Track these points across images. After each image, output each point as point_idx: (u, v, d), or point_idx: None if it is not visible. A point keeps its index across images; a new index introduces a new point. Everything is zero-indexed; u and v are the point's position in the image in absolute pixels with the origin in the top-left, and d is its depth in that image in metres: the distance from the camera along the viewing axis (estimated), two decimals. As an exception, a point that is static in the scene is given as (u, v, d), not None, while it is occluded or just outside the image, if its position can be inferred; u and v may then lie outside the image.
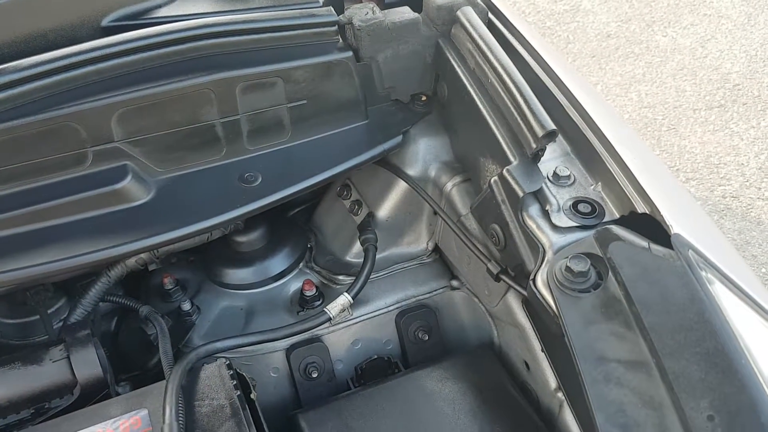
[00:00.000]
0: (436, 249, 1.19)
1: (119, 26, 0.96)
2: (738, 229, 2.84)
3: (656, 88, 3.39)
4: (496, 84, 0.95)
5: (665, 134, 3.19)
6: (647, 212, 0.82)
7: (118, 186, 0.92)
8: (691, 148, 3.12)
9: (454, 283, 1.17)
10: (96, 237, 0.89)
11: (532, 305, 0.86)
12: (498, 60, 0.95)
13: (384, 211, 1.16)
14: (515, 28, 1.07)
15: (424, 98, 1.13)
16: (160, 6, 1.00)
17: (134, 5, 0.98)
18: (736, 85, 3.40)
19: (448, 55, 1.04)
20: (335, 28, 1.02)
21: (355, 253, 1.18)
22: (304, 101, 1.03)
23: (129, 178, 0.92)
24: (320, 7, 1.05)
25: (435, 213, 1.11)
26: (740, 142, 3.15)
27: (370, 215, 1.15)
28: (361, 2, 1.11)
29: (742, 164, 3.06)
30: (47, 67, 0.86)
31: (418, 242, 1.19)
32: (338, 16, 1.03)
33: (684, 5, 3.85)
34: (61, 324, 1.08)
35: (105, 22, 0.96)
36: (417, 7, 1.11)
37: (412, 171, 1.10)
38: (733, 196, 2.97)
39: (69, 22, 0.93)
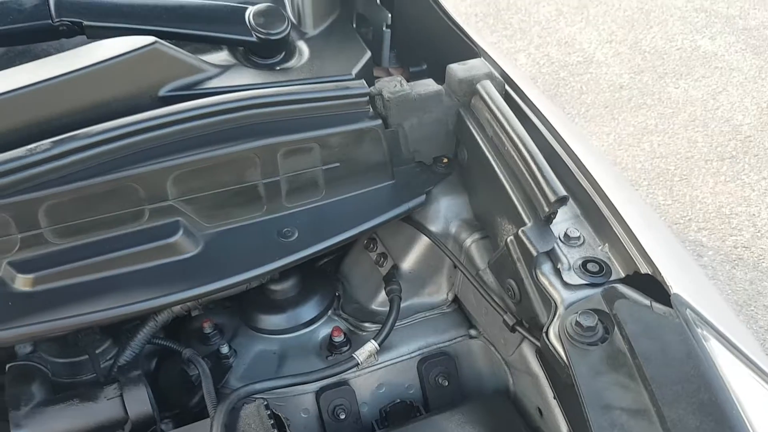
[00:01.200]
0: (456, 300, 1.29)
1: (175, 96, 1.07)
2: (750, 280, 2.89)
3: (668, 138, 3.48)
4: (513, 152, 1.05)
5: (677, 184, 3.27)
6: (649, 273, 0.91)
7: (171, 240, 1.02)
8: (703, 198, 3.19)
9: (472, 332, 1.26)
10: (150, 287, 0.99)
11: (545, 356, 0.94)
12: (514, 130, 1.05)
13: (407, 263, 1.25)
14: (529, 98, 1.17)
15: (445, 160, 1.23)
16: (210, 77, 1.11)
17: (188, 77, 1.09)
18: (748, 136, 3.48)
19: (469, 123, 1.15)
20: (367, 99, 1.13)
21: (379, 302, 1.28)
22: (338, 164, 1.13)
23: (180, 233, 1.03)
24: (354, 80, 1.16)
25: (455, 266, 1.20)
26: (752, 193, 3.22)
27: (395, 267, 1.25)
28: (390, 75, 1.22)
29: (754, 215, 3.12)
30: (113, 134, 0.97)
31: (438, 293, 1.28)
32: (369, 88, 1.14)
33: (696, 58, 3.96)
34: (108, 363, 1.17)
35: (162, 92, 1.07)
36: (440, 78, 1.22)
37: (434, 227, 1.20)
38: (744, 247, 3.02)
39: (130, 92, 1.05)
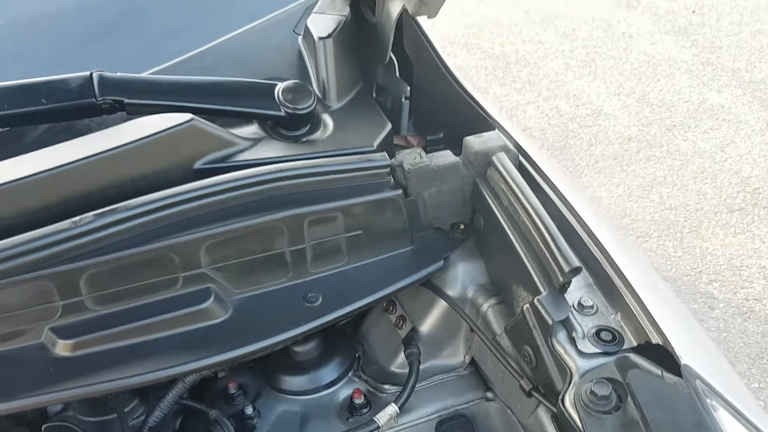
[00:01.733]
0: (473, 362, 1.33)
1: (209, 169, 1.14)
2: (762, 332, 2.90)
3: (677, 190, 3.52)
4: (527, 222, 1.10)
5: (687, 236, 3.30)
6: (660, 343, 0.95)
7: (203, 306, 1.07)
8: (713, 251, 3.22)
9: (489, 395, 1.29)
10: (182, 352, 1.04)
11: (561, 422, 0.98)
12: (528, 201, 1.11)
13: (426, 326, 1.30)
14: (541, 169, 1.23)
15: (462, 227, 1.29)
16: (242, 150, 1.18)
17: (221, 151, 1.16)
18: (756, 189, 3.52)
19: (485, 193, 1.21)
20: (388, 170, 1.20)
21: (399, 364, 1.32)
22: (360, 231, 1.19)
23: (212, 299, 1.08)
24: (375, 152, 1.23)
25: (472, 330, 1.24)
26: (762, 245, 3.25)
27: (414, 330, 1.29)
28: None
29: (764, 267, 3.14)
30: (152, 206, 1.04)
31: (456, 355, 1.32)
32: (390, 160, 1.21)
33: (703, 110, 4.03)
34: (136, 422, 1.22)
35: (197, 165, 1.14)
36: (456, 146, 1.29)
37: (451, 292, 1.25)
38: (756, 299, 3.04)
39: (168, 166, 1.11)
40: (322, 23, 1.36)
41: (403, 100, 1.43)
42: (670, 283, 3.09)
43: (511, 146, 1.25)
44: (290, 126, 1.26)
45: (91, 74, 1.13)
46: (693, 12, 5.00)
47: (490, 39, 4.77)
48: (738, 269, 3.15)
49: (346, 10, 1.40)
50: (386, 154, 1.21)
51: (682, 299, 3.03)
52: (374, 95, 1.50)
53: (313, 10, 1.41)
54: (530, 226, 1.09)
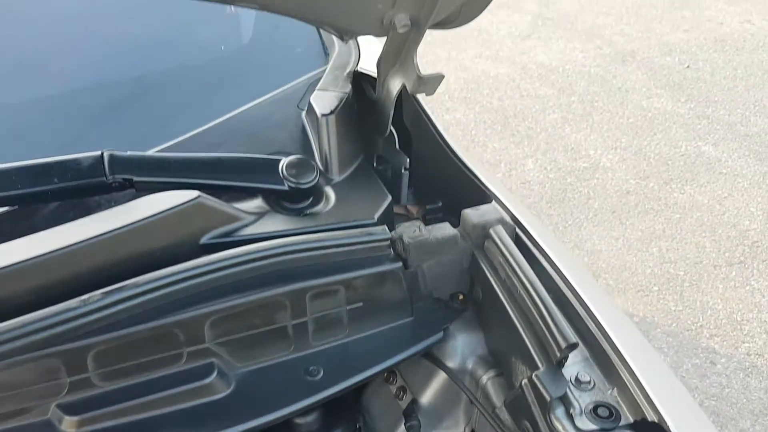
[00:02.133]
0: (473, 432, 1.34)
1: (215, 244, 1.17)
2: (764, 388, 2.89)
3: (676, 244, 3.55)
4: (525, 296, 1.13)
5: (687, 290, 3.32)
6: (656, 421, 0.96)
7: (206, 381, 1.09)
8: (714, 305, 3.23)
9: (489, 466, 1.30)
10: (185, 428, 1.06)
11: (560, 498, 0.99)
12: (526, 276, 1.14)
13: (426, 397, 1.31)
14: (538, 242, 1.26)
15: (461, 297, 1.32)
16: (246, 225, 1.22)
17: (226, 226, 1.20)
18: (755, 242, 3.55)
19: (483, 265, 1.24)
20: (388, 243, 1.23)
21: (399, 434, 1.33)
22: (361, 303, 1.22)
23: (215, 373, 1.10)
24: (376, 225, 1.26)
25: (472, 402, 1.26)
26: (762, 299, 3.26)
27: (414, 402, 1.31)
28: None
29: (765, 321, 3.15)
30: (159, 283, 1.07)
31: (456, 427, 1.33)
32: (390, 233, 1.24)
33: (700, 164, 4.09)
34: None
35: (203, 241, 1.18)
36: (455, 215, 1.32)
37: (451, 363, 1.27)
38: (758, 354, 3.04)
39: (175, 242, 1.15)
40: (325, 100, 1.41)
41: (402, 170, 1.47)
42: (672, 338, 3.10)
43: (508, 219, 1.29)
44: (294, 199, 1.30)
45: (102, 154, 1.18)
46: (687, 67, 5.11)
47: (489, 93, 4.86)
48: (739, 323, 3.16)
49: (348, 87, 1.45)
50: (386, 228, 1.24)
51: (684, 354, 3.03)
52: (375, 164, 1.54)
53: (317, 87, 1.47)
54: (527, 301, 1.12)
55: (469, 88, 4.97)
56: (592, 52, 5.36)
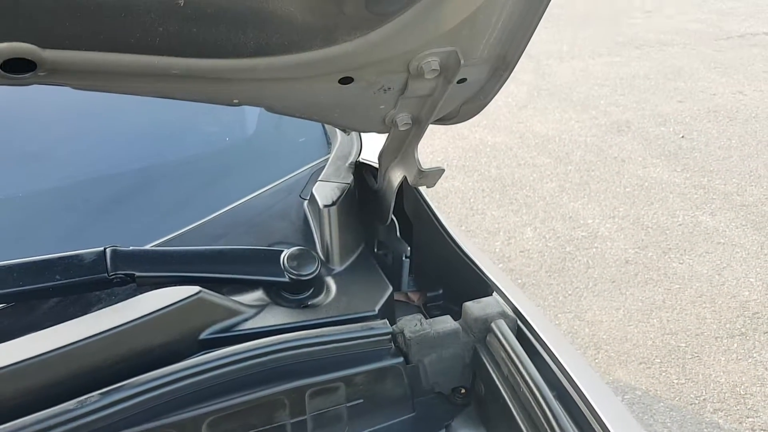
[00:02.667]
0: None
1: (214, 339, 1.17)
2: (772, 467, 2.83)
3: (677, 314, 3.53)
4: (527, 394, 1.12)
5: (689, 362, 3.28)
6: None
7: (202, 485, 1.07)
8: (716, 378, 3.19)
9: None
10: None
11: None
12: (528, 373, 1.13)
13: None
14: (540, 336, 1.26)
15: (463, 391, 1.30)
16: (247, 319, 1.21)
17: (227, 321, 1.19)
18: (755, 313, 3.53)
19: (485, 360, 1.23)
20: (389, 337, 1.23)
21: None
22: (361, 400, 1.20)
23: (211, 477, 1.08)
24: (377, 318, 1.26)
25: None
26: (765, 372, 3.22)
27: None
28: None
29: (769, 396, 3.10)
30: (156, 383, 1.06)
31: None
32: (391, 327, 1.24)
33: (698, 234, 4.10)
34: None
35: (202, 336, 1.17)
36: (455, 303, 1.32)
37: (453, 459, 1.25)
38: (762, 429, 2.98)
39: (174, 339, 1.14)
40: (327, 191, 1.43)
41: (403, 258, 1.48)
42: (675, 413, 3.04)
43: (510, 311, 1.28)
44: (295, 290, 1.30)
45: (104, 250, 1.18)
46: (682, 137, 5.20)
47: (487, 162, 4.93)
48: (742, 397, 3.11)
49: (350, 178, 1.48)
50: (387, 322, 1.24)
51: (688, 429, 2.97)
52: (376, 250, 1.55)
53: (319, 178, 1.49)
54: (530, 398, 1.11)
55: (467, 157, 5.04)
56: (587, 122, 5.46)
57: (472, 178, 4.76)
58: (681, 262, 3.89)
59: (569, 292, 3.70)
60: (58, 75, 0.88)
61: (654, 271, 3.84)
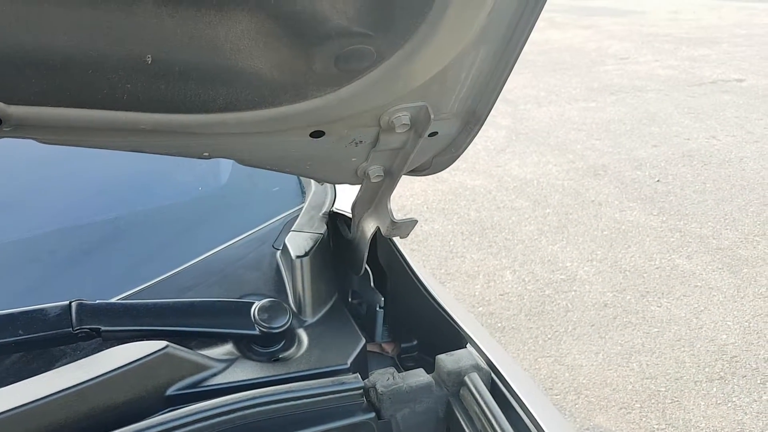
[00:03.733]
0: None
1: (181, 395, 1.14)
2: None
3: (656, 358, 3.53)
4: (501, 450, 1.10)
5: (669, 407, 3.26)
6: None
7: None
8: (697, 422, 3.18)
9: None
10: None
11: None
12: (501, 428, 1.11)
13: None
14: (514, 390, 1.24)
15: (437, 447, 1.28)
16: (215, 374, 1.19)
17: (195, 376, 1.17)
18: (734, 357, 3.54)
19: (458, 415, 1.21)
20: (361, 392, 1.20)
21: None
22: (333, 456, 1.17)
23: None
24: (349, 373, 1.24)
25: None
26: (744, 416, 3.21)
27: None
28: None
29: (750, 442, 3.08)
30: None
31: None
32: (363, 381, 1.22)
33: (675, 277, 4.13)
34: None
35: (169, 392, 1.14)
36: (429, 354, 1.30)
37: None
38: (743, 477, 2.96)
39: (140, 395, 1.11)
40: (300, 241, 1.42)
41: (377, 308, 1.47)
42: (657, 460, 3.02)
43: (484, 364, 1.27)
44: (265, 343, 1.28)
45: (69, 303, 1.16)
46: (658, 181, 5.28)
47: (466, 205, 4.96)
48: (724, 443, 3.09)
49: (323, 228, 1.47)
50: (359, 375, 1.22)
51: (670, 478, 2.95)
52: (350, 300, 1.53)
53: (292, 228, 1.48)
54: (504, 455, 1.09)
55: (446, 200, 5.07)
56: (565, 166, 5.53)
57: (452, 221, 4.77)
58: (659, 305, 3.91)
59: (549, 336, 3.69)
60: (23, 130, 0.88)
61: (632, 314, 3.85)
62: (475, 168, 5.43)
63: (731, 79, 8.97)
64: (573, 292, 4.03)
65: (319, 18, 0.86)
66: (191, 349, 1.20)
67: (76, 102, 0.88)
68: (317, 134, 1.08)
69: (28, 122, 0.86)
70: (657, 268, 4.22)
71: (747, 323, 3.74)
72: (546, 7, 0.99)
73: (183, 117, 0.95)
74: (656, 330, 3.73)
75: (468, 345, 1.31)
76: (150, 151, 1.04)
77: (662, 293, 4.00)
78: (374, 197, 1.32)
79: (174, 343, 1.16)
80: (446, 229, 4.69)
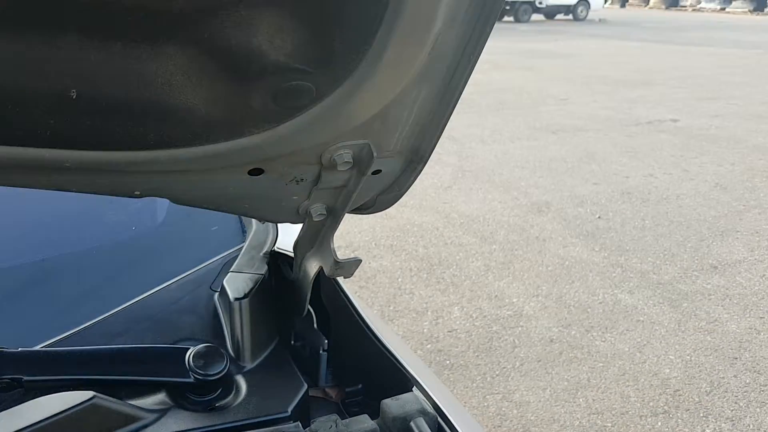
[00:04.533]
0: None
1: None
2: None
3: (602, 393, 3.55)
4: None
5: (617, 444, 3.27)
6: None
7: None
8: (644, 460, 3.19)
9: None
10: None
11: None
12: None
13: None
14: (460, 432, 1.21)
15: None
16: (146, 425, 1.12)
17: (123, 428, 1.09)
18: (677, 390, 3.59)
19: None
20: (302, 442, 1.15)
21: None
22: None
23: None
24: (290, 421, 1.18)
25: None
26: (690, 453, 3.24)
27: None
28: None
29: (695, 478, 3.11)
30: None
31: None
32: (305, 429, 1.17)
33: (618, 311, 4.20)
34: None
35: None
36: (375, 397, 1.26)
37: None
38: None
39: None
40: (239, 282, 1.37)
41: (321, 351, 1.42)
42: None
43: (430, 408, 1.24)
44: (201, 392, 1.22)
45: (-13, 352, 1.08)
46: (599, 217, 5.41)
47: (414, 241, 4.96)
48: (669, 481, 3.11)
49: (264, 269, 1.42)
50: (300, 424, 1.17)
51: None
52: (292, 342, 1.48)
53: (231, 268, 1.43)
54: (450, 504, 1.05)
55: (395, 236, 5.06)
56: (509, 203, 5.61)
57: (400, 257, 4.76)
58: (603, 340, 3.96)
59: (497, 372, 3.68)
60: None
61: (578, 349, 3.88)
62: (423, 204, 5.45)
63: (666, 119, 9.35)
64: (520, 328, 4.05)
65: (255, 53, 0.84)
66: (121, 399, 1.13)
67: None
68: (256, 172, 1.05)
69: None
70: (600, 303, 4.28)
71: (689, 357, 3.81)
72: (488, 49, 1.00)
73: (111, 154, 0.90)
74: (601, 365, 3.76)
75: (414, 388, 1.28)
76: (76, 190, 0.98)
77: (606, 328, 4.05)
78: (317, 236, 1.28)
79: (102, 392, 1.09)
80: (394, 265, 4.67)
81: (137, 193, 1.03)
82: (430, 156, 1.16)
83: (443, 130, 1.11)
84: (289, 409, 1.22)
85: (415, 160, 1.17)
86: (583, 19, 28.35)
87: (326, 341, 1.40)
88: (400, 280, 4.49)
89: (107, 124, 0.86)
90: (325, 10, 0.82)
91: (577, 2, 28.10)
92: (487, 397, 3.50)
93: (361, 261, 1.30)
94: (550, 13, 28.63)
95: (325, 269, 1.31)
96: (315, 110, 0.94)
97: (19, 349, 1.11)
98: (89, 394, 1.06)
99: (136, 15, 0.76)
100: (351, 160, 1.06)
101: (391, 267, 4.64)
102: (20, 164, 0.86)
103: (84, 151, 0.88)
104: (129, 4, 0.75)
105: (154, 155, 0.93)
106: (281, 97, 0.91)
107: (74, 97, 0.81)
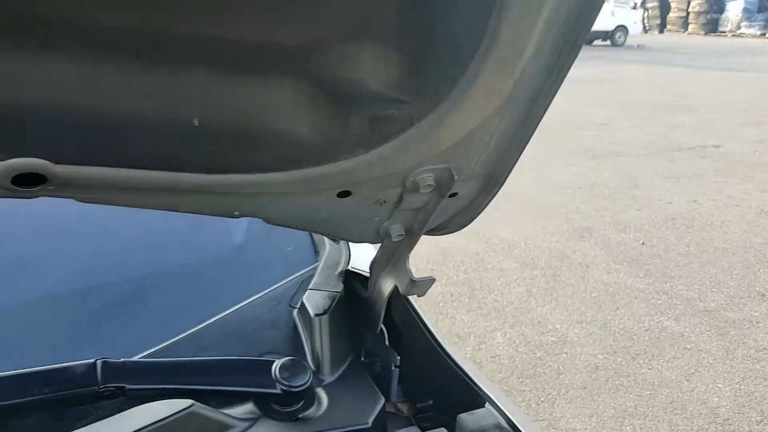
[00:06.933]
0: None
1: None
2: None
3: (649, 422, 3.51)
4: None
5: (669, 474, 3.23)
6: None
7: None
8: (695, 493, 3.14)
9: None
10: None
11: None
12: None
13: None
14: (535, 449, 1.25)
15: (459, 507, 1.27)
16: None
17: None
18: (726, 419, 3.53)
19: None
20: (383, 452, 1.20)
21: None
22: None
23: None
24: (370, 431, 1.24)
25: None
26: (741, 479, 3.18)
27: None
28: None
29: (748, 508, 3.05)
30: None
31: None
32: (386, 441, 1.22)
33: (664, 339, 4.15)
34: None
35: None
36: (446, 413, 1.30)
37: None
38: None
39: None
40: (318, 300, 1.44)
41: (392, 368, 1.47)
42: None
43: (504, 423, 1.28)
44: (286, 402, 1.28)
45: (95, 362, 1.16)
46: (642, 244, 5.37)
47: (454, 266, 4.98)
48: None
49: (340, 287, 1.49)
50: (381, 436, 1.22)
51: None
52: (363, 359, 1.54)
53: (309, 286, 1.50)
54: None
55: (435, 261, 5.09)
56: (550, 229, 5.61)
57: (441, 281, 4.79)
58: (650, 367, 3.92)
59: (542, 399, 3.67)
60: (66, 189, 0.90)
61: (624, 377, 3.84)
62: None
63: (709, 144, 9.26)
64: (564, 354, 4.03)
65: (357, 84, 0.91)
66: (213, 407, 1.19)
67: (119, 162, 0.90)
68: (344, 194, 1.11)
69: (72, 182, 0.88)
70: (646, 330, 4.25)
71: (738, 386, 3.75)
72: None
73: (221, 177, 0.98)
74: (648, 393, 3.72)
75: (487, 404, 1.32)
76: (183, 209, 1.06)
77: (653, 355, 4.01)
78: (393, 256, 1.34)
79: (197, 401, 1.15)
80: (435, 290, 4.70)
81: (236, 213, 1.10)
82: (506, 179, 1.21)
83: (521, 154, 1.16)
84: (369, 421, 1.27)
85: (491, 183, 1.23)
86: (621, 45, 28.17)
87: (398, 357, 1.45)
88: (441, 304, 4.52)
89: (221, 150, 0.94)
90: (425, 43, 0.88)
91: (615, 28, 27.95)
92: (533, 423, 3.49)
93: (434, 280, 1.35)
94: (588, 39, 28.46)
95: (400, 288, 1.37)
96: (405, 136, 1.01)
97: (122, 359, 1.19)
98: (188, 402, 1.13)
99: (254, 50, 0.84)
100: (433, 183, 1.12)
101: (432, 291, 4.62)
102: (139, 186, 0.94)
103: (198, 174, 0.96)
104: (249, 39, 0.83)
105: (257, 178, 1.00)
106: (376, 123, 0.97)
107: (196, 124, 0.89)
